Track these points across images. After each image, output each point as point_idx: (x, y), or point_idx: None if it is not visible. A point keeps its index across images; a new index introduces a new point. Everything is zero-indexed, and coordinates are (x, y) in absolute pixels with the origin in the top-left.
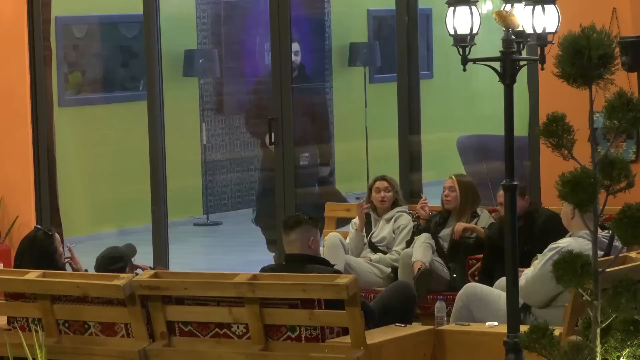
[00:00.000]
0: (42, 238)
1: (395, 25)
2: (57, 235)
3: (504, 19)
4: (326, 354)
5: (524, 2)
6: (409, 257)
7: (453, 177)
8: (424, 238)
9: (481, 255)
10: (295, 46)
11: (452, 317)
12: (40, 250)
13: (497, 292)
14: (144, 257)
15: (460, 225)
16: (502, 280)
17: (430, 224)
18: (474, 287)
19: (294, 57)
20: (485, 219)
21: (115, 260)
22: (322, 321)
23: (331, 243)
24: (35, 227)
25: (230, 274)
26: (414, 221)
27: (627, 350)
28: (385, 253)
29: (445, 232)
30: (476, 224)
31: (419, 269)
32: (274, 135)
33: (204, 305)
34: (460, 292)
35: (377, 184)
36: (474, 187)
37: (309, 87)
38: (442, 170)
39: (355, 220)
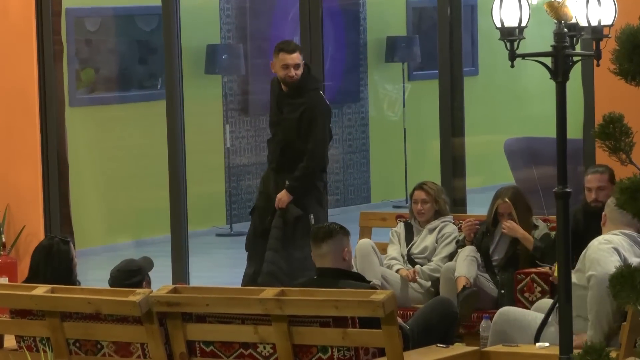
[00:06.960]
0: (59, 247)
1: (437, 18)
2: (71, 244)
3: (555, 10)
4: None
5: None
6: (451, 272)
7: (507, 200)
8: (468, 251)
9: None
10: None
11: (489, 343)
12: (59, 260)
13: (532, 315)
14: (162, 270)
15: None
16: (542, 302)
17: (475, 235)
18: (507, 311)
19: None
20: (543, 230)
21: (131, 274)
22: (356, 341)
23: (364, 252)
24: (48, 235)
25: (256, 289)
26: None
27: None
28: (422, 265)
29: (492, 244)
30: (533, 236)
31: (464, 286)
32: None
33: (228, 323)
34: (494, 318)
35: (415, 194)
36: (523, 198)
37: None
38: (488, 176)
39: (397, 229)
